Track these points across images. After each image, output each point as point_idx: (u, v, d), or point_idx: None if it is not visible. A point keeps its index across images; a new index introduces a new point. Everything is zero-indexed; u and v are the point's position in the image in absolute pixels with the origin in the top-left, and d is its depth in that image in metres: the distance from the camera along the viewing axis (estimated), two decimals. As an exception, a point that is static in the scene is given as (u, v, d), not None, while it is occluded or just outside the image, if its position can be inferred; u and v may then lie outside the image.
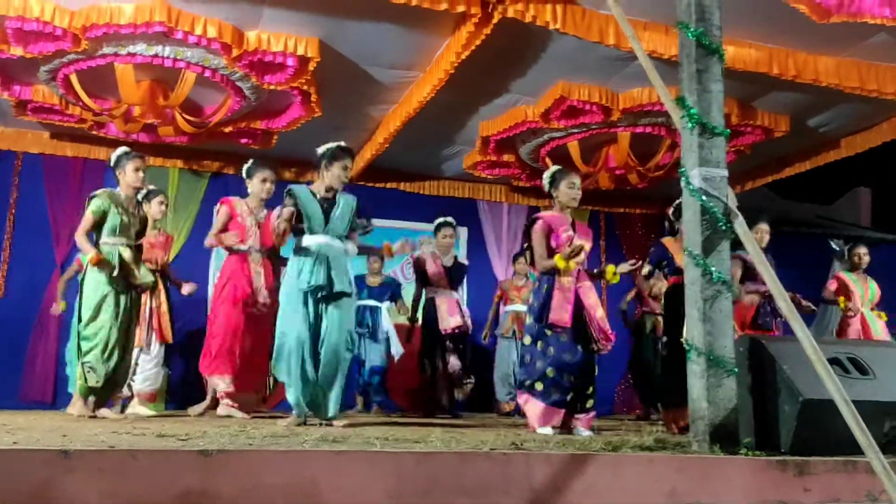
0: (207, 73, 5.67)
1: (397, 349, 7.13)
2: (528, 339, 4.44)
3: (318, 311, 4.26)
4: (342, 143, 4.52)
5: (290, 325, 4.23)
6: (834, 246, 8.88)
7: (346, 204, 4.42)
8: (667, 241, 5.22)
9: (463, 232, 8.80)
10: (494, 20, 4.82)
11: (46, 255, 7.38)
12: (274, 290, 5.06)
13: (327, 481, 2.14)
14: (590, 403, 4.37)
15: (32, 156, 7.51)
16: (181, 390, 6.95)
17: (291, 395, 4.22)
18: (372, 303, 7.29)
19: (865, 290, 6.54)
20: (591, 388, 4.38)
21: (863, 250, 6.69)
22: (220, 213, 5.50)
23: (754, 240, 2.81)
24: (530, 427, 4.35)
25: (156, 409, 6.05)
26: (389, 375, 7.43)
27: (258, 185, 5.50)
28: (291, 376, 4.19)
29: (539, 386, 4.29)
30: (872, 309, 6.52)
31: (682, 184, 2.97)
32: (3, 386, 6.91)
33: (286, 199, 4.34)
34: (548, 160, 7.33)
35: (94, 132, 7.03)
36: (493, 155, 7.44)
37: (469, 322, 6.57)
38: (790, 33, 5.30)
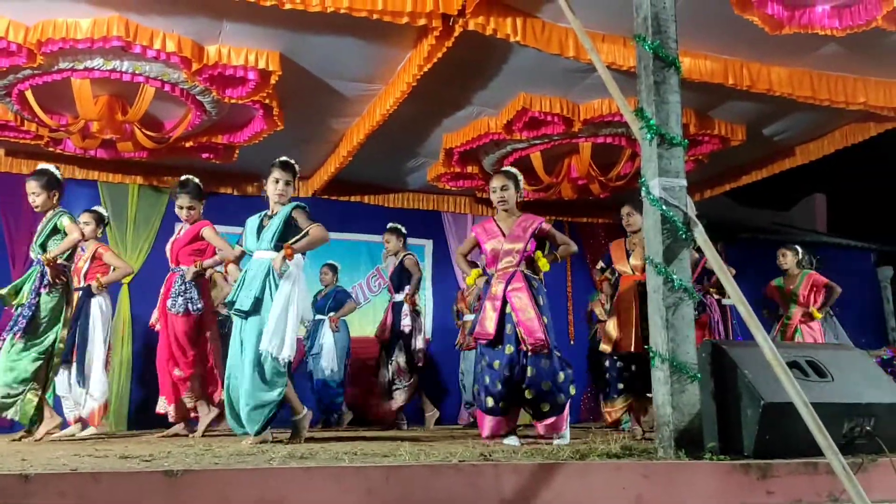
0: (167, 88, 5.60)
1: (329, 363, 7.02)
2: (479, 348, 4.49)
3: (242, 329, 4.31)
4: (280, 158, 4.58)
5: (231, 343, 4.36)
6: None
7: (279, 215, 4.38)
8: (614, 244, 5.31)
9: (428, 244, 8.83)
10: (455, 33, 4.86)
11: (2, 275, 7.20)
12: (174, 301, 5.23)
13: (296, 498, 2.12)
14: (545, 408, 4.27)
15: (-14, 174, 7.35)
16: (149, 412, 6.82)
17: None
18: (318, 316, 7.17)
19: (787, 291, 6.67)
20: (539, 392, 4.24)
21: (780, 251, 6.83)
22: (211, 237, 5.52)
23: (713, 247, 2.86)
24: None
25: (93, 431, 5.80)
26: (348, 389, 7.41)
27: (177, 211, 5.53)
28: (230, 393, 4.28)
29: (481, 395, 4.35)
30: (809, 307, 6.61)
31: (643, 193, 3.01)
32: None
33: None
34: (511, 171, 7.39)
35: (50, 149, 6.90)
36: (456, 167, 7.47)
37: (403, 327, 6.54)
38: (744, 45, 5.42)
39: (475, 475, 2.31)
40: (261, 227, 4.40)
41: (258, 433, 4.09)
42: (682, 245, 2.95)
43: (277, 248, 4.26)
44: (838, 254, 10.41)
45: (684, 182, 3.01)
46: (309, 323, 6.08)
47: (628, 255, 5.13)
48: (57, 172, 5.00)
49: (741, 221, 10.69)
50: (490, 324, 4.28)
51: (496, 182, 4.61)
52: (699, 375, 2.89)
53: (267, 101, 5.85)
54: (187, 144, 6.76)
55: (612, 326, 5.04)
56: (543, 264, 4.41)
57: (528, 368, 4.23)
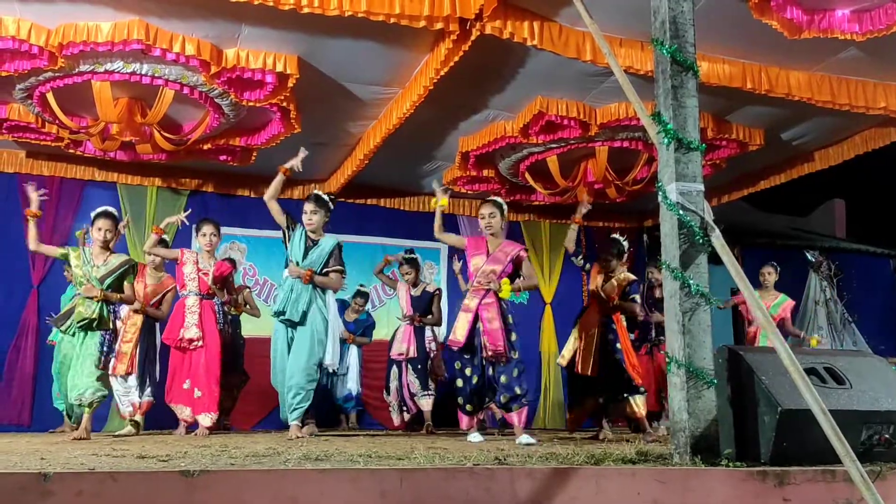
0: (186, 90, 5.65)
1: (357, 388, 7.58)
2: (453, 355, 5.03)
3: (290, 335, 5.12)
4: (313, 192, 5.40)
5: (273, 347, 5.19)
6: (809, 257, 8.98)
7: (325, 245, 5.17)
8: (595, 266, 5.92)
9: (443, 248, 8.83)
10: (473, 37, 4.86)
11: (23, 276, 7.28)
12: (207, 329, 5.75)
13: (310, 500, 2.13)
14: (505, 399, 4.75)
15: (7, 175, 7.42)
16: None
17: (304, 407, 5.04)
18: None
19: (766, 308, 6.69)
20: (498, 386, 4.77)
21: (767, 269, 6.81)
22: (175, 252, 6.03)
23: (730, 252, 2.84)
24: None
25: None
26: (366, 396, 7.80)
27: (200, 239, 5.99)
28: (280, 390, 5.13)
29: (456, 393, 4.93)
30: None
31: (660, 198, 3.00)
32: (-21, 409, 6.83)
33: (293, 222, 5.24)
34: (527, 175, 7.39)
35: (70, 150, 6.98)
36: (472, 170, 7.48)
37: (431, 349, 7.05)
38: (763, 49, 5.39)
39: (489, 479, 2.30)
40: (306, 248, 5.14)
41: (296, 418, 4.96)
42: (698, 250, 2.94)
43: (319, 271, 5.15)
44: (857, 260, 10.30)
45: (701, 187, 2.99)
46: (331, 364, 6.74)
47: (605, 282, 5.77)
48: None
49: (759, 226, 10.61)
50: (462, 332, 4.80)
51: (484, 210, 5.02)
52: (715, 381, 2.87)
53: (284, 104, 5.88)
54: (205, 147, 6.81)
55: (573, 346, 5.73)
56: (506, 291, 4.81)
57: (491, 370, 4.83)
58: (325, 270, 5.16)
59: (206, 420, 5.62)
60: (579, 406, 5.86)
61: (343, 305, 7.56)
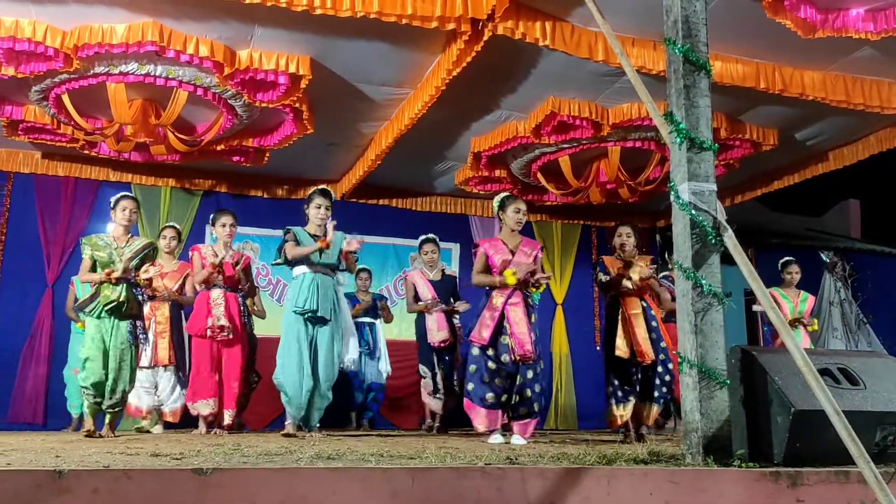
0: (199, 92, 5.69)
1: (386, 367, 7.39)
2: (473, 350, 4.84)
3: (312, 332, 5.01)
4: (320, 186, 5.35)
5: (288, 344, 4.99)
6: (824, 258, 8.91)
7: (336, 239, 5.12)
8: (606, 259, 5.63)
9: (455, 248, 8.83)
10: (485, 38, 4.87)
11: (38, 275, 7.35)
12: (237, 320, 5.72)
13: (322, 499, 2.14)
14: (523, 411, 4.70)
15: (24, 176, 7.50)
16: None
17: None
18: (367, 319, 7.42)
19: (795, 305, 6.79)
20: (522, 398, 4.69)
21: (795, 269, 6.84)
22: (193, 261, 5.87)
23: (743, 252, 2.83)
24: (476, 430, 4.87)
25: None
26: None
27: (220, 230, 5.85)
28: (292, 389, 4.94)
29: (479, 391, 4.73)
30: (798, 322, 6.66)
31: (672, 198, 2.99)
32: (-6, 407, 6.89)
33: (286, 235, 5.14)
34: (539, 175, 7.38)
35: (85, 151, 7.04)
36: (484, 170, 7.48)
37: (460, 334, 6.83)
38: (776, 48, 5.36)
39: (501, 479, 2.31)
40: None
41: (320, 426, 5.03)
42: (711, 250, 2.93)
43: (335, 267, 5.15)
44: (872, 260, 10.21)
45: (714, 186, 2.98)
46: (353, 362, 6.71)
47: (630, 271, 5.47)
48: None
49: (773, 227, 10.55)
50: (486, 332, 4.73)
51: (522, 206, 5.04)
52: (728, 381, 2.86)
53: (297, 104, 5.90)
54: (219, 148, 6.85)
55: (624, 336, 5.36)
56: (509, 277, 4.72)
57: (518, 377, 4.71)
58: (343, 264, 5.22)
59: (226, 417, 5.64)
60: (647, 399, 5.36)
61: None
